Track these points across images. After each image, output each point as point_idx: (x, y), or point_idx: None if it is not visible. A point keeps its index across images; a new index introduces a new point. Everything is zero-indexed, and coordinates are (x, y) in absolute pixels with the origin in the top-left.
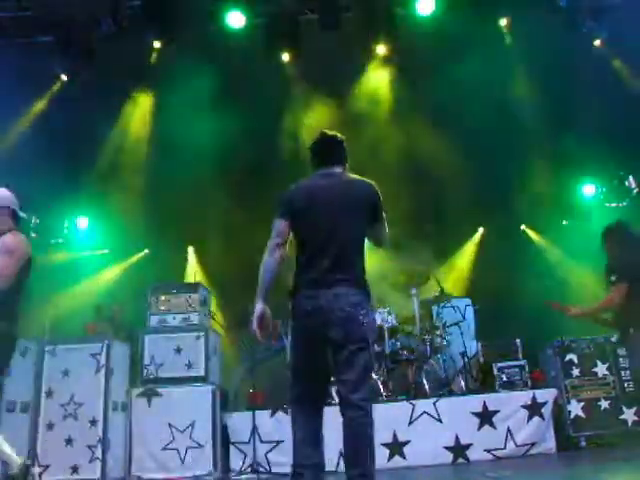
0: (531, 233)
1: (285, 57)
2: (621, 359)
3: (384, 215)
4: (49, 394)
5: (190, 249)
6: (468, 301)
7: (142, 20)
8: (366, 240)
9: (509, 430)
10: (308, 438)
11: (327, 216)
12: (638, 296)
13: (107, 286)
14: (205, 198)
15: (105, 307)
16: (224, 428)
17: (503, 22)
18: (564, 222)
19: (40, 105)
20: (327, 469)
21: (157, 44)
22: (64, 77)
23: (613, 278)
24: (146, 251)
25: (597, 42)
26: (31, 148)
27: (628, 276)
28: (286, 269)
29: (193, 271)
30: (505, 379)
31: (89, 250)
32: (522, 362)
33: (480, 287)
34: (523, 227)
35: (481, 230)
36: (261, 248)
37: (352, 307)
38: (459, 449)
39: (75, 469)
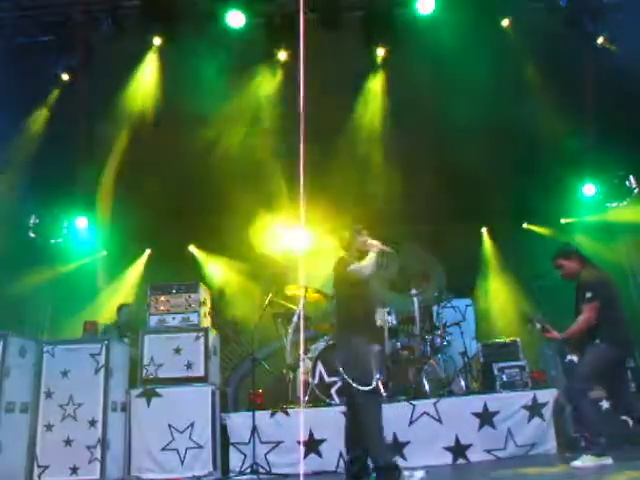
0: (532, 232)
1: (284, 56)
2: None
3: None
4: (48, 394)
5: (192, 247)
6: (468, 301)
7: (142, 20)
8: None
9: (509, 430)
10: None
11: None
12: (607, 310)
13: (108, 286)
14: (206, 198)
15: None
16: (224, 428)
17: (504, 22)
18: (562, 221)
19: (40, 105)
20: (327, 469)
21: (157, 43)
22: (64, 77)
23: (589, 295)
24: (148, 251)
25: (599, 41)
26: (30, 148)
27: (601, 293)
28: None
29: (197, 269)
30: (505, 379)
31: (88, 251)
32: (522, 362)
33: (481, 287)
34: (525, 226)
35: (484, 229)
36: None
37: None
38: (459, 449)
39: (74, 470)
